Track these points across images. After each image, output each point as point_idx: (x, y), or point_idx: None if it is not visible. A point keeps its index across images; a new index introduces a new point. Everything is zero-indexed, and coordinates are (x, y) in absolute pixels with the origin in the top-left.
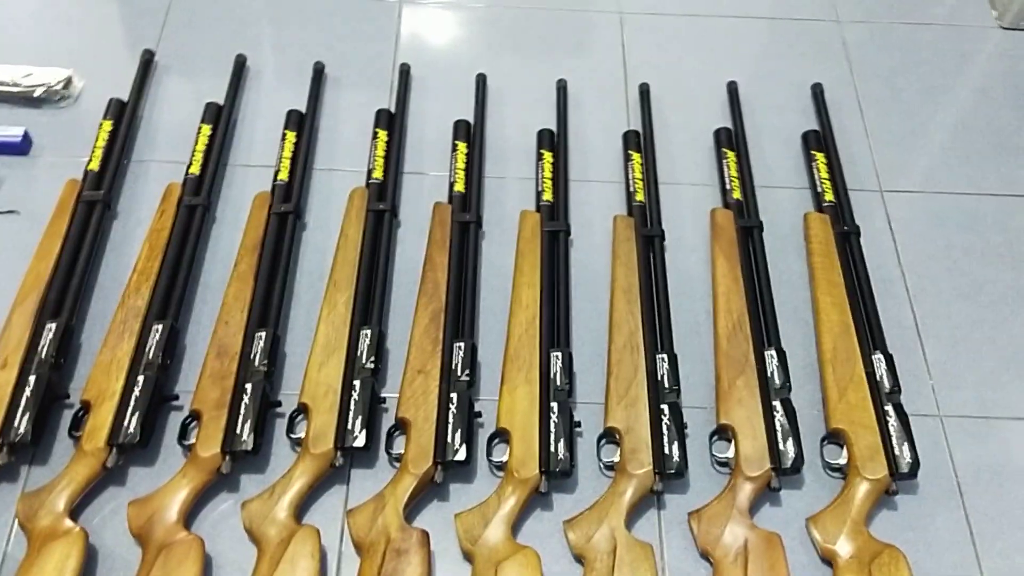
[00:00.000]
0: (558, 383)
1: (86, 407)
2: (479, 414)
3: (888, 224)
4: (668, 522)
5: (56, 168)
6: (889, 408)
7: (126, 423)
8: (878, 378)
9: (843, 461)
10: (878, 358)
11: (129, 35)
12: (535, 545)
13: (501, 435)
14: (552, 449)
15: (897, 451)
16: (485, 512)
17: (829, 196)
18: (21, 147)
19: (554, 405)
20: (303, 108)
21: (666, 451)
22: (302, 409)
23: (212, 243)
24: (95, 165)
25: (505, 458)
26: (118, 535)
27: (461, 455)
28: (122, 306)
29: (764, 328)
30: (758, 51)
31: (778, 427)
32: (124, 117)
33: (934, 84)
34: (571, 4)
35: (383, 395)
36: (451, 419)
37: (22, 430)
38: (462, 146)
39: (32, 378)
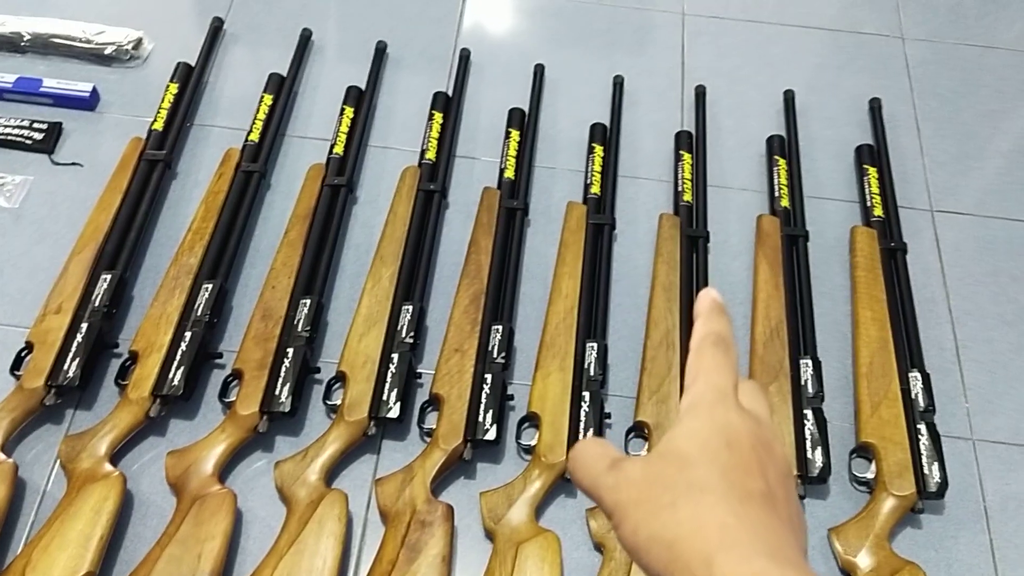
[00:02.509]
0: (591, 373)
1: (134, 357)
2: (511, 397)
3: (936, 244)
4: None
5: (121, 125)
6: (922, 427)
7: (171, 375)
8: (913, 396)
9: (870, 475)
10: (915, 376)
11: (200, 2)
12: (557, 530)
13: (531, 419)
14: (581, 437)
15: (927, 470)
16: (510, 493)
17: (878, 211)
18: (89, 102)
19: (586, 394)
20: (363, 85)
21: None
22: (340, 377)
23: (265, 209)
24: (159, 125)
25: (534, 442)
26: (155, 483)
27: (491, 435)
28: (175, 263)
29: (801, 337)
30: (818, 62)
31: (807, 435)
32: (190, 81)
33: (994, 109)
34: (635, 2)
35: (419, 370)
36: (484, 399)
37: (71, 374)
38: (515, 134)
39: (84, 325)
